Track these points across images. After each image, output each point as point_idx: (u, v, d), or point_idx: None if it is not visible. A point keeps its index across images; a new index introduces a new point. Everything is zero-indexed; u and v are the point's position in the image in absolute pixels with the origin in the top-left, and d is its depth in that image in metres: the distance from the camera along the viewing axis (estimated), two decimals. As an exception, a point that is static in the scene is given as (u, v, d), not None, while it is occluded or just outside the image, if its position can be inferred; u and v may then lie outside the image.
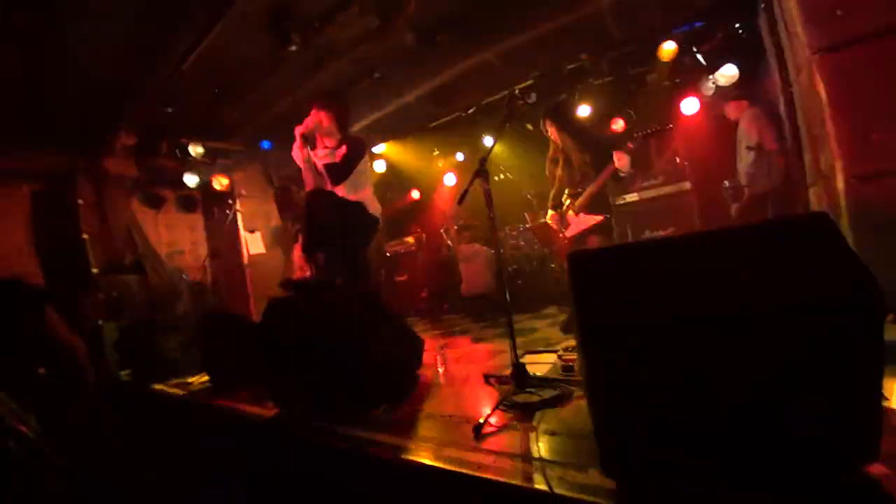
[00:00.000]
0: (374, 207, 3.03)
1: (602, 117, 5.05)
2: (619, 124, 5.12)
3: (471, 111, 5.55)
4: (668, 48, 4.34)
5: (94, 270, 5.01)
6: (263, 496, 2.00)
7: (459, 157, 6.66)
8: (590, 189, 3.16)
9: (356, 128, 5.13)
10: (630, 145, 2.99)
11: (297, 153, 2.91)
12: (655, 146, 5.13)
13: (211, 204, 6.10)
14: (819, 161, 2.63)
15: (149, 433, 3.03)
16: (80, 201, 5.13)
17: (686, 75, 4.76)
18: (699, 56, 4.52)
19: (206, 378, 3.15)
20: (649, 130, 3.19)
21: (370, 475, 1.61)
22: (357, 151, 2.94)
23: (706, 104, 4.62)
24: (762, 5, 3.35)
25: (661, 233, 4.56)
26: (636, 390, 1.04)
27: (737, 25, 4.19)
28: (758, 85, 4.08)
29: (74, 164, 5.17)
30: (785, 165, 3.61)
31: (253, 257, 6.03)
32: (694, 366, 1.01)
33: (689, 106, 4.65)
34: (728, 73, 4.26)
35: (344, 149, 2.91)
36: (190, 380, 3.32)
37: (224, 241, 5.85)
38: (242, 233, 5.95)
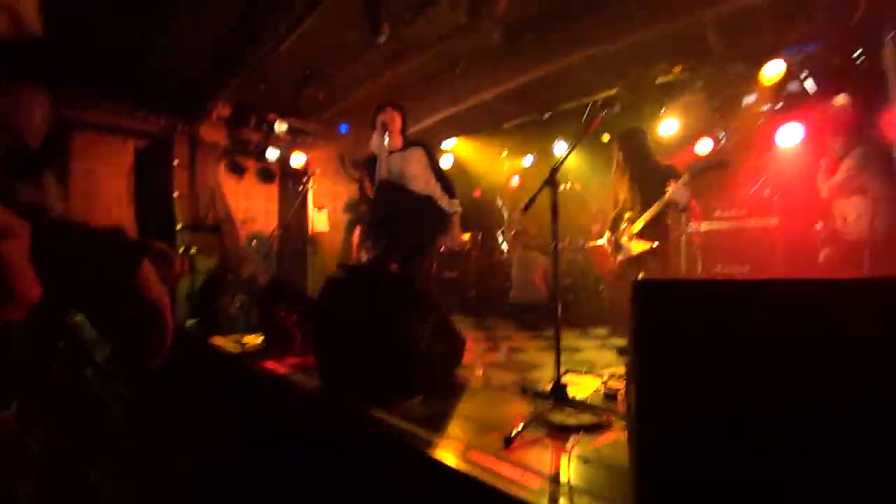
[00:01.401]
0: (445, 203, 3.07)
1: (688, 138, 4.75)
2: (706, 145, 4.79)
3: (546, 115, 5.44)
4: (773, 70, 3.99)
5: (179, 226, 5.51)
6: (285, 462, 2.10)
7: (527, 161, 6.57)
8: (645, 215, 3.12)
9: (430, 121, 5.21)
10: (686, 177, 2.98)
11: (376, 140, 3.00)
12: (743, 174, 4.74)
13: (287, 178, 6.48)
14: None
15: (201, 382, 3.29)
16: (175, 161, 5.66)
17: (789, 101, 4.35)
18: (806, 83, 4.10)
19: (261, 339, 3.36)
20: (706, 164, 3.08)
21: (394, 463, 1.65)
22: (418, 151, 3.03)
23: (810, 135, 4.19)
24: (893, 33, 2.99)
25: (736, 269, 4.21)
26: (688, 442, 0.98)
27: (856, 54, 3.75)
28: (871, 122, 3.64)
29: (174, 127, 5.70)
30: (890, 215, 3.21)
31: (316, 234, 6.34)
32: (748, 426, 0.93)
33: (790, 134, 4.24)
34: (837, 104, 3.85)
35: (408, 148, 3.03)
36: (245, 339, 3.57)
37: (293, 215, 6.20)
38: (310, 209, 6.27)
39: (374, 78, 4.82)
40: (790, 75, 4.09)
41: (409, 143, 3.06)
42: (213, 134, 5.80)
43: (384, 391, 1.97)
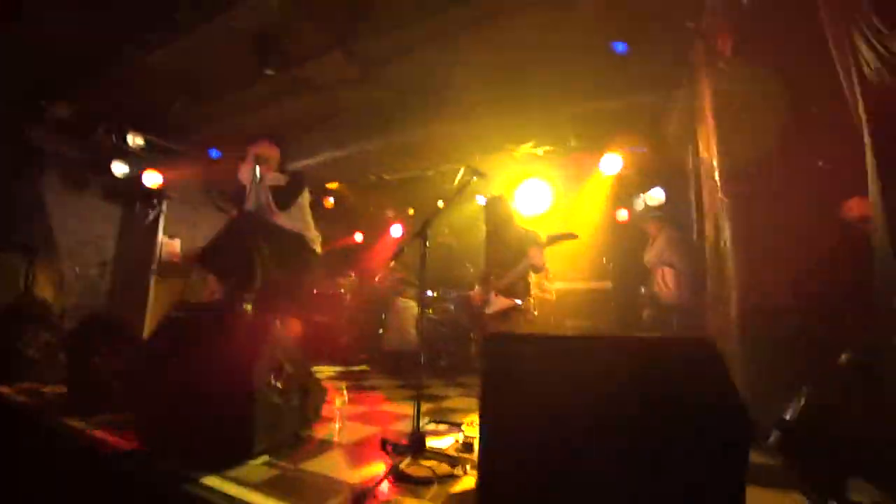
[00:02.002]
0: (317, 245, 2.98)
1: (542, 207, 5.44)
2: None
3: (430, 172, 5.75)
4: (611, 162, 4.88)
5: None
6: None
7: (411, 211, 6.77)
8: (510, 275, 3.47)
9: (310, 161, 5.11)
10: (545, 243, 3.44)
11: (246, 172, 2.83)
12: (589, 245, 5.55)
13: (134, 198, 5.61)
14: (719, 288, 2.97)
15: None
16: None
17: (626, 188, 5.34)
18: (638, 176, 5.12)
19: (63, 390, 2.71)
20: (559, 235, 3.63)
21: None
22: (298, 183, 2.98)
23: (634, 216, 5.15)
24: (691, 149, 3.91)
25: (581, 323, 4.81)
26: (520, 480, 1.04)
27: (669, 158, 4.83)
28: (679, 211, 4.64)
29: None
30: (691, 285, 4.03)
31: (164, 265, 5.53)
32: (576, 463, 1.03)
33: (621, 215, 5.17)
34: (655, 196, 4.82)
35: (288, 180, 2.93)
36: (45, 389, 2.85)
37: (137, 242, 5.34)
38: (160, 236, 5.49)
39: (256, 110, 4.61)
40: (624, 169, 5.04)
41: (292, 177, 2.98)
42: (44, 138, 4.83)
43: (220, 450, 1.72)
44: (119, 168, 5.10)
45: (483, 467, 1.12)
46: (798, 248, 2.39)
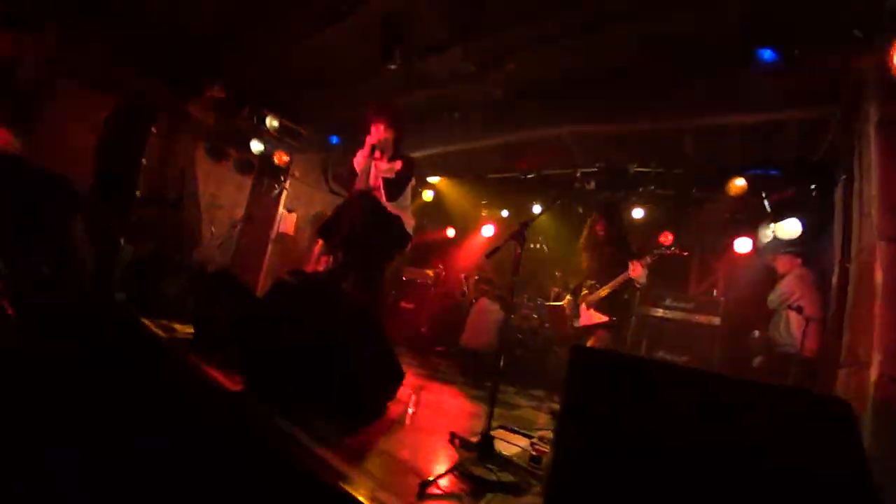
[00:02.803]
0: (409, 226, 3.06)
1: (652, 226, 5.05)
2: (667, 238, 5.09)
3: (530, 176, 5.65)
4: (738, 184, 4.35)
5: (138, 193, 5.25)
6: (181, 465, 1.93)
7: (505, 213, 6.75)
8: (604, 288, 3.25)
9: (420, 155, 5.31)
10: (648, 259, 3.14)
11: (360, 160, 3.00)
12: (696, 272, 5.04)
13: (264, 174, 6.35)
14: (857, 345, 2.51)
15: (117, 362, 3.03)
16: (153, 129, 5.47)
17: (747, 214, 4.74)
18: (766, 202, 4.49)
19: (190, 329, 3.16)
20: (666, 251, 3.27)
21: (297, 488, 1.55)
22: (410, 170, 3.04)
23: (758, 249, 4.54)
24: (843, 177, 3.34)
25: (676, 357, 4.39)
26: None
27: (812, 186, 4.17)
28: (815, 248, 4.00)
29: (163, 95, 5.55)
30: (820, 336, 3.47)
31: (281, 235, 6.18)
32: (653, 498, 0.95)
33: (742, 245, 4.58)
34: (789, 228, 4.20)
35: (399, 164, 3.00)
36: (176, 325, 3.35)
37: (261, 211, 6.04)
38: (281, 209, 6.14)
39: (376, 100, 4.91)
40: (751, 192, 4.47)
41: (404, 163, 3.03)
42: (200, 112, 5.68)
43: (307, 408, 1.88)
44: (256, 146, 5.82)
45: (551, 485, 1.08)
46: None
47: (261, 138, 5.82)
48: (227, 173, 6.23)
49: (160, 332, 3.16)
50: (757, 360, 3.95)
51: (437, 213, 7.31)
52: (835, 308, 3.14)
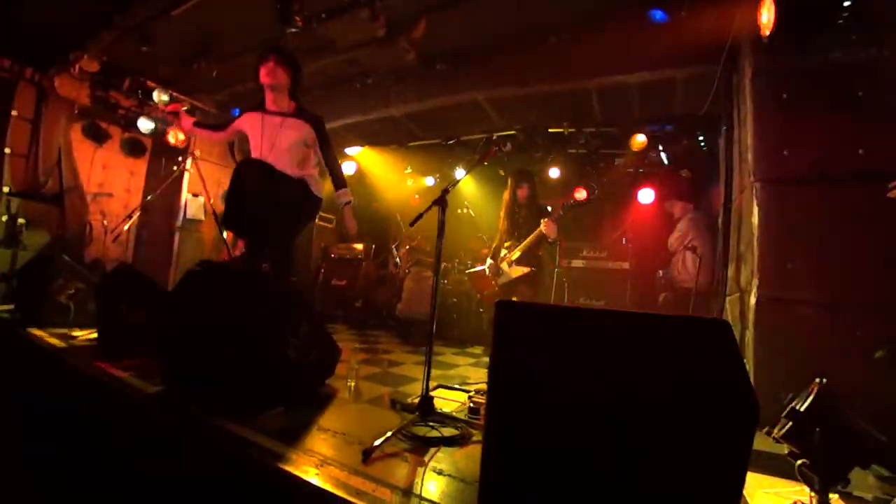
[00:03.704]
0: (318, 189, 2.73)
1: (567, 183, 5.34)
2: (581, 193, 5.42)
3: (451, 142, 5.67)
4: (639, 140, 4.72)
5: (6, 189, 4.51)
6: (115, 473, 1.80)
7: (430, 181, 6.74)
8: (522, 245, 3.52)
9: (333, 124, 5.08)
10: (557, 214, 3.47)
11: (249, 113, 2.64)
12: (608, 223, 5.46)
13: (160, 155, 5.71)
14: (739, 275, 2.90)
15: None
16: (14, 112, 4.65)
17: (649, 167, 5.18)
18: (663, 154, 4.94)
19: (93, 335, 2.86)
20: (571, 202, 3.61)
21: (239, 478, 1.50)
22: (310, 120, 2.65)
23: (661, 197, 5.02)
24: (724, 128, 3.75)
25: (595, 302, 4.80)
26: (528, 448, 1.06)
27: (700, 138, 4.64)
28: (705, 194, 4.50)
29: (20, 72, 4.71)
30: (712, 271, 3.96)
31: (188, 222, 5.66)
32: (582, 432, 1.05)
33: (646, 196, 5.03)
34: (683, 174, 4.68)
35: (294, 109, 2.65)
36: (76, 333, 3.01)
37: (162, 198, 5.47)
38: (184, 193, 5.60)
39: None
40: (652, 147, 4.88)
41: (299, 112, 2.65)
42: (70, 89, 4.90)
43: (239, 400, 1.80)
44: (145, 124, 5.17)
45: (489, 431, 1.15)
46: (837, 238, 2.31)
47: (149, 116, 5.18)
48: (113, 157, 5.52)
49: (55, 342, 2.82)
50: (661, 297, 4.44)
51: (361, 186, 7.12)
52: (721, 245, 3.59)
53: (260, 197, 2.40)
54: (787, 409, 1.42)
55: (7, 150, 4.57)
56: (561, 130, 5.06)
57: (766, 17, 2.38)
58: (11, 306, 3.56)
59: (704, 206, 4.46)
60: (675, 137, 4.89)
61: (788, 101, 2.51)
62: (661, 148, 4.98)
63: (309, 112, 2.71)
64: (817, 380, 1.44)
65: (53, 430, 2.18)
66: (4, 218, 4.34)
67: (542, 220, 3.39)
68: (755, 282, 2.52)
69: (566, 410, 1.08)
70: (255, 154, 2.59)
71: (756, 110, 2.70)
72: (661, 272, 4.61)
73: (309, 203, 2.72)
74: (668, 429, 1.03)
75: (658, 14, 3.37)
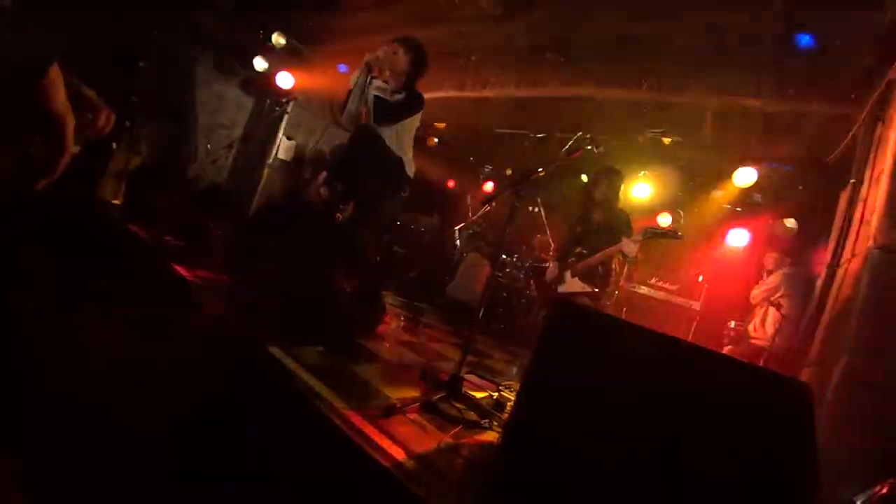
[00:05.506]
0: (410, 170, 2.81)
1: (654, 203, 5.02)
2: (666, 218, 5.07)
3: (540, 135, 5.52)
4: (747, 175, 4.29)
5: (133, 98, 5.04)
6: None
7: (508, 172, 6.64)
8: (593, 258, 3.15)
9: (430, 96, 5.11)
10: (641, 237, 3.01)
11: (354, 74, 2.69)
12: (688, 256, 5.08)
13: (265, 94, 6.10)
14: (826, 348, 2.59)
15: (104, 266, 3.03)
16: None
17: (749, 207, 4.73)
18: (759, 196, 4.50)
19: (181, 241, 3.14)
20: (662, 231, 3.17)
21: (269, 400, 1.60)
22: (414, 105, 2.72)
23: (754, 242, 4.57)
24: (852, 181, 3.30)
25: (650, 335, 4.52)
26: (541, 453, 1.02)
27: (820, 188, 4.13)
28: (807, 249, 4.03)
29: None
30: (792, 335, 3.56)
31: (277, 160, 6.03)
32: (601, 452, 0.99)
33: (737, 238, 4.61)
34: (787, 226, 4.22)
35: (403, 96, 2.71)
36: (166, 236, 3.32)
37: (260, 133, 5.86)
38: (280, 134, 5.95)
39: (387, 33, 4.65)
40: (757, 186, 4.43)
41: (409, 95, 2.71)
42: (208, 22, 5.34)
43: (289, 330, 1.91)
44: (260, 63, 5.53)
45: (509, 429, 1.12)
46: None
47: (265, 55, 5.53)
48: (229, 90, 5.98)
49: (150, 241, 3.15)
50: (727, 349, 4.07)
51: (441, 161, 7.17)
52: (813, 310, 3.20)
53: (372, 162, 2.52)
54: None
55: (142, 64, 5.08)
56: (658, 131, 4.67)
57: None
58: (120, 202, 3.99)
59: (803, 263, 4.00)
60: (790, 179, 4.41)
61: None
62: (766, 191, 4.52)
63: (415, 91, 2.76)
64: (890, 480, 1.26)
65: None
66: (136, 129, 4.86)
67: (623, 238, 3.04)
68: (844, 359, 2.22)
69: (594, 432, 1.01)
70: (364, 121, 2.68)
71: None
72: (732, 323, 4.21)
73: (401, 179, 2.75)
74: (710, 489, 0.94)
75: (805, 38, 3.01)
